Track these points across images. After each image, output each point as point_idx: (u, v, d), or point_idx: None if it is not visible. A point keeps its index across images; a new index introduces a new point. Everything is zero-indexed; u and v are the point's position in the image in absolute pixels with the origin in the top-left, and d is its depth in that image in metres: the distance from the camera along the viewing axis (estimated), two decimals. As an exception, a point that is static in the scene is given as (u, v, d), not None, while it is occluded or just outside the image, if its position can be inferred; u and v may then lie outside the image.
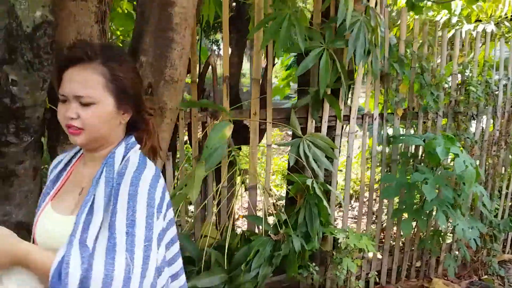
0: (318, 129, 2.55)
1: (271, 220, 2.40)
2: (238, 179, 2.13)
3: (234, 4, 2.83)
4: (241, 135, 2.55)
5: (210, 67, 2.23)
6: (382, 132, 2.85)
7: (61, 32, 1.71)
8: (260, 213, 2.53)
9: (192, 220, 2.14)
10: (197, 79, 2.15)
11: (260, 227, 2.21)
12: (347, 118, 2.67)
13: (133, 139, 1.15)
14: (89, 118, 1.04)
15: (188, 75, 2.04)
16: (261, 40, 2.12)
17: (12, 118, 1.57)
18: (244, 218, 3.54)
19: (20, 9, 1.45)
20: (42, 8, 1.47)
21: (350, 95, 2.69)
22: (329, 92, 2.43)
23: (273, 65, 2.58)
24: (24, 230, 1.74)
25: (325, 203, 2.14)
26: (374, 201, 3.33)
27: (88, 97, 1.03)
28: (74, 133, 1.05)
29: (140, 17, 1.89)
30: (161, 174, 1.12)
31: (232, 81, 2.67)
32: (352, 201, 4.68)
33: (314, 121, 2.51)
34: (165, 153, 1.98)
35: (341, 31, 2.10)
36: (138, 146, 1.15)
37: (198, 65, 2.22)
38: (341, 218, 2.98)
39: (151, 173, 1.06)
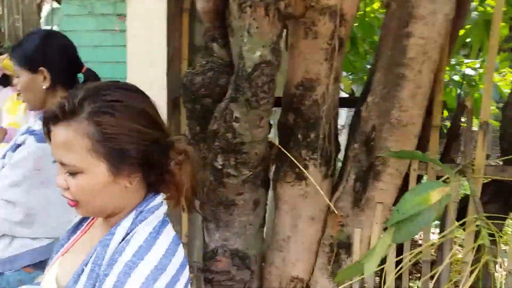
0: None
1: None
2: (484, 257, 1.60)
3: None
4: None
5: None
6: None
7: (291, 70, 1.72)
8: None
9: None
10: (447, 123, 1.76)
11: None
12: None
13: (154, 201, 0.89)
14: (77, 191, 0.82)
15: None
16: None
17: (232, 152, 1.66)
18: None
19: (244, 50, 1.53)
20: (262, 48, 1.50)
21: None
22: None
23: None
24: (237, 258, 1.82)
25: None
26: None
27: (71, 165, 0.81)
28: (71, 205, 0.86)
29: (376, 53, 1.69)
30: (178, 254, 0.86)
31: (508, 126, 2.06)
32: None
33: None
34: (387, 208, 1.69)
35: None
36: (160, 210, 0.90)
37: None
38: None
39: (150, 265, 0.79)
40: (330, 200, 1.74)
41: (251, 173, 1.72)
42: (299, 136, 1.72)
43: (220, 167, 1.70)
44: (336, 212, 1.71)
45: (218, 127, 1.69)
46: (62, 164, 0.82)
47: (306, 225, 1.77)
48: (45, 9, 2.58)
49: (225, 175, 1.71)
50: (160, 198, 0.91)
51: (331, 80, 1.66)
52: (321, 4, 1.58)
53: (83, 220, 1.01)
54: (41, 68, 1.41)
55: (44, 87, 1.43)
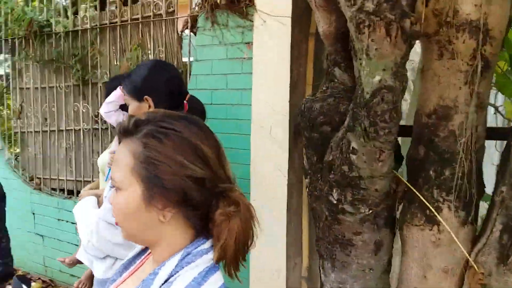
0: None
1: None
2: None
3: None
4: None
5: None
6: None
7: (423, 96, 1.49)
8: None
9: None
10: None
11: None
12: None
13: (204, 244, 0.81)
14: (114, 207, 0.82)
15: None
16: None
17: (348, 186, 1.49)
18: None
19: (363, 74, 1.37)
20: (383, 72, 1.32)
21: None
22: None
23: None
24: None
25: None
26: None
27: (115, 180, 0.82)
28: (116, 223, 0.86)
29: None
30: None
31: None
32: None
33: None
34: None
35: None
36: (209, 255, 0.81)
37: None
38: None
39: None
40: (470, 252, 1.43)
41: (370, 211, 1.52)
42: (431, 172, 1.46)
43: (335, 201, 1.55)
44: (476, 268, 1.40)
45: (333, 158, 1.54)
46: (112, 178, 0.84)
47: (437, 278, 1.49)
48: (184, 40, 2.76)
49: (340, 211, 1.54)
50: (210, 242, 0.83)
51: (472, 108, 1.38)
52: (458, 20, 1.34)
53: (136, 256, 0.99)
54: (146, 97, 1.48)
55: None
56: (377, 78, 1.32)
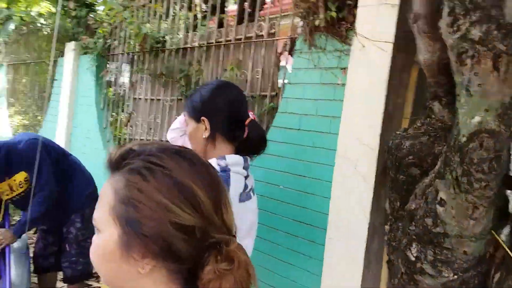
0: None
1: None
2: None
3: None
4: None
5: None
6: None
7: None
8: None
9: None
10: None
11: None
12: None
13: None
14: (92, 249, 0.71)
15: None
16: None
17: (430, 244, 1.26)
18: None
19: (460, 113, 1.15)
20: (485, 113, 1.09)
21: None
22: None
23: None
24: None
25: None
26: None
27: (95, 219, 0.71)
28: None
29: None
30: None
31: None
32: None
33: None
34: None
35: None
36: None
37: None
38: None
39: None
40: None
41: (456, 276, 1.27)
42: (540, 241, 1.17)
43: (413, 258, 1.32)
44: None
45: (416, 207, 1.33)
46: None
47: None
48: (282, 62, 2.70)
49: (418, 271, 1.31)
50: None
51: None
52: None
53: None
54: (203, 118, 1.41)
55: (204, 136, 1.42)
56: (477, 119, 1.10)
